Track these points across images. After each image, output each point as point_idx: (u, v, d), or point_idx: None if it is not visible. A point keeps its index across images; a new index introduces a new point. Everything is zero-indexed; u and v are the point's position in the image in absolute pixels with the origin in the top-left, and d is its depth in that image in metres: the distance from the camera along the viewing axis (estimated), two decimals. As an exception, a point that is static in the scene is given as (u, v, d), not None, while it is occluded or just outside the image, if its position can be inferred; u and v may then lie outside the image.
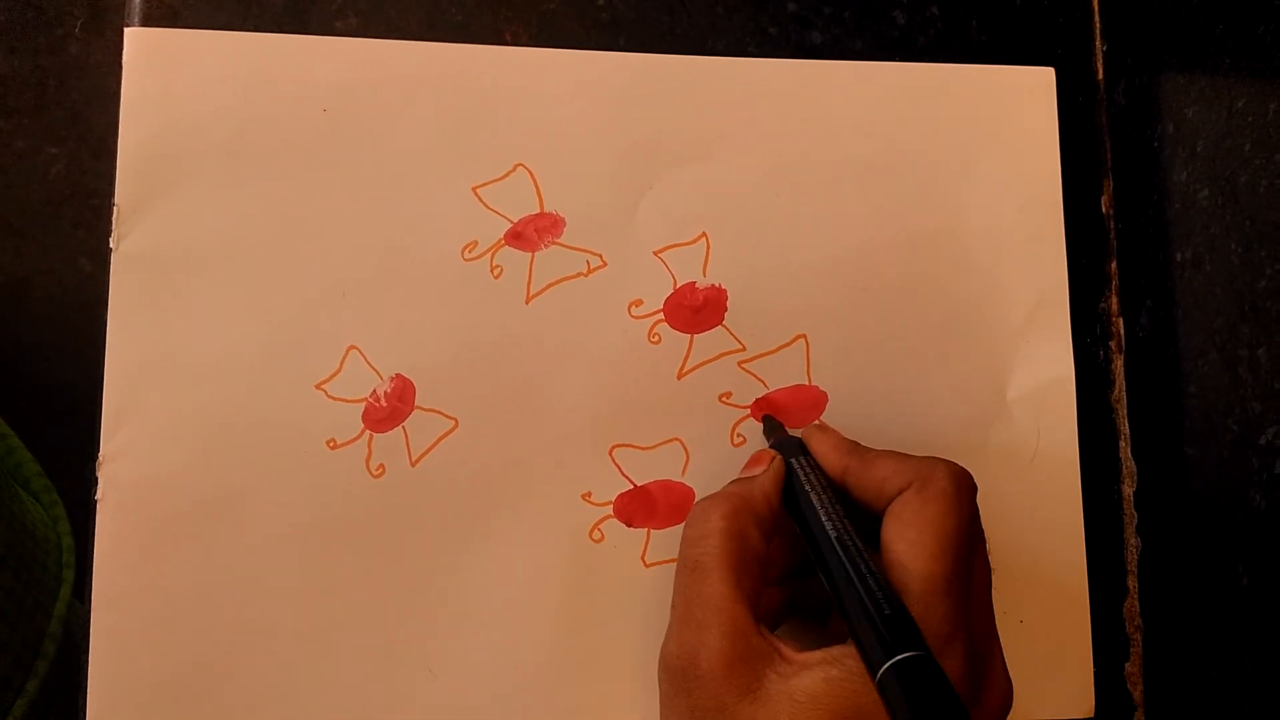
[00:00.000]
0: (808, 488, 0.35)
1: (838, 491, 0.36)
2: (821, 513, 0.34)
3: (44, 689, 0.53)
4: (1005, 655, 0.34)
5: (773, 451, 0.37)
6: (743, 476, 0.37)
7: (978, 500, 0.34)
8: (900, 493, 0.33)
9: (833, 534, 0.33)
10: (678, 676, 0.31)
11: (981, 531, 0.34)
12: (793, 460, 0.37)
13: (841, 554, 0.32)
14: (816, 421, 0.40)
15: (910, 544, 0.32)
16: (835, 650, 0.30)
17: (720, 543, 0.32)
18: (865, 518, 0.34)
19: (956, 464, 0.34)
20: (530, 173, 0.42)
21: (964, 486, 0.34)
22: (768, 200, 0.43)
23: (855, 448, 0.37)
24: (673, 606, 0.33)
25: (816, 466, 0.37)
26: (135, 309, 0.40)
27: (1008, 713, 0.33)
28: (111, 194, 0.40)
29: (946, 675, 0.28)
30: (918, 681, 0.28)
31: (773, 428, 0.40)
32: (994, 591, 0.35)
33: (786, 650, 0.31)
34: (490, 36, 0.43)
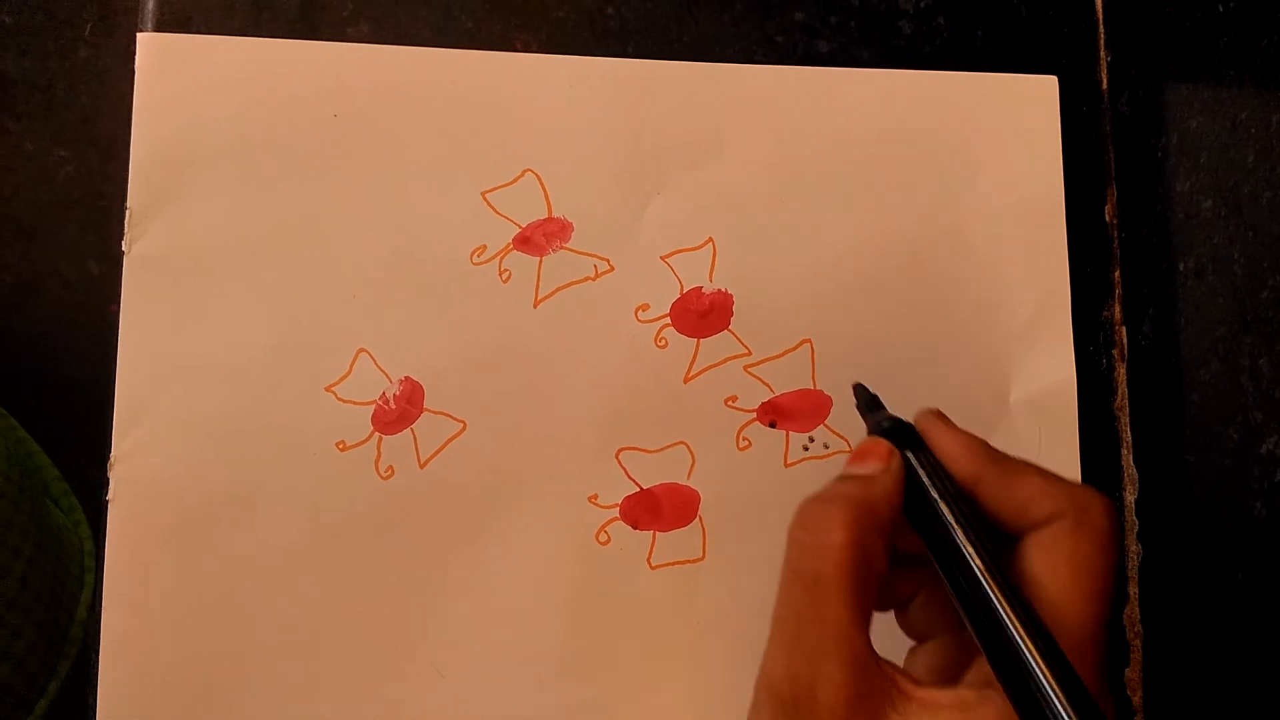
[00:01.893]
0: (935, 496, 0.30)
1: (967, 501, 0.30)
2: (960, 534, 0.29)
3: (62, 690, 0.54)
4: None
5: (885, 442, 0.31)
6: (856, 473, 0.31)
7: None
8: (1049, 521, 0.29)
9: (978, 565, 0.28)
10: (788, 706, 0.28)
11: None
12: (911, 456, 0.31)
13: (993, 591, 0.27)
14: (933, 409, 0.33)
15: (1064, 586, 0.28)
16: (968, 695, 0.27)
17: (843, 557, 0.28)
18: (992, 534, 0.30)
19: (1108, 497, 0.30)
20: (539, 178, 0.42)
21: (1117, 523, 0.30)
22: (774, 206, 0.43)
23: (990, 453, 0.31)
24: (777, 620, 0.29)
25: (942, 470, 0.31)
26: (147, 311, 0.40)
27: None
28: (121, 197, 0.41)
29: None
30: None
31: (870, 403, 0.35)
32: None
33: (909, 686, 0.28)
34: (500, 44, 0.43)
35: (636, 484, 0.41)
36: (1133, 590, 0.45)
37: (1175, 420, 0.43)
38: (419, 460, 0.41)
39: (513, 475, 0.41)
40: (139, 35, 0.41)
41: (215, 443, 0.40)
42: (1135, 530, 0.45)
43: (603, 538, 0.41)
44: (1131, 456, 0.45)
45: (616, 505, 0.41)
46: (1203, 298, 0.42)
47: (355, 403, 0.41)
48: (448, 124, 0.42)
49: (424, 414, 0.41)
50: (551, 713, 0.40)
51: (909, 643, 0.32)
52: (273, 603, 0.39)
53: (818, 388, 0.43)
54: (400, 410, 0.41)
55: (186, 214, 0.41)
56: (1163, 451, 0.44)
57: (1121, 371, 0.46)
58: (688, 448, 0.42)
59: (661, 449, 0.42)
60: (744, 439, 0.42)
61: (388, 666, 0.40)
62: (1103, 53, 0.47)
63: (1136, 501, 0.45)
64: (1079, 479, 0.44)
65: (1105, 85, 0.47)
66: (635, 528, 0.41)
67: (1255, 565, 0.39)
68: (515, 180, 0.42)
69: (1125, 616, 0.44)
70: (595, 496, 0.41)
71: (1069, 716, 0.25)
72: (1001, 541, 0.30)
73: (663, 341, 0.42)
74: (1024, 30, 0.46)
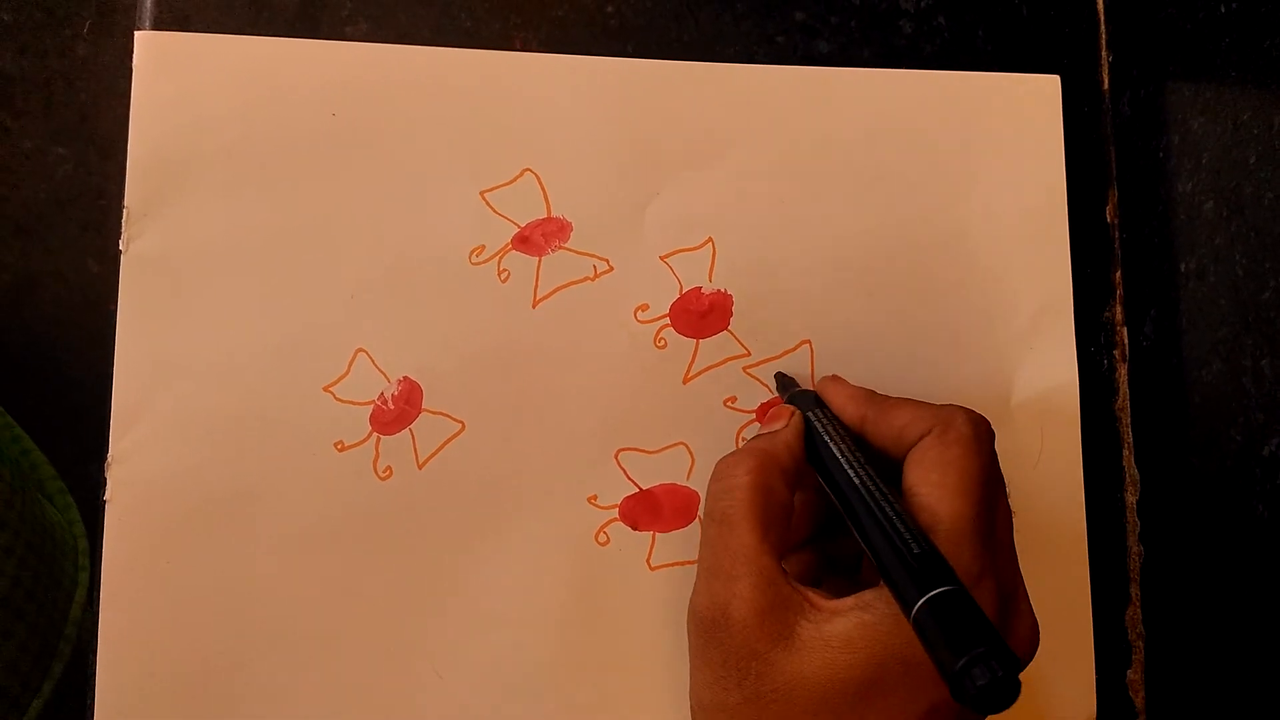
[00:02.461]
0: (827, 438, 0.35)
1: (857, 440, 0.36)
2: (844, 461, 0.34)
3: (56, 690, 0.54)
4: None
5: (790, 407, 0.37)
6: (764, 432, 0.37)
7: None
8: (921, 439, 0.34)
9: (856, 480, 0.33)
10: (709, 627, 0.32)
11: (1001, 476, 0.35)
12: (810, 413, 0.37)
13: (868, 499, 0.32)
14: (831, 375, 0.40)
15: (934, 486, 0.32)
16: (867, 595, 0.31)
17: (747, 495, 0.33)
18: (885, 466, 0.35)
19: (974, 410, 0.35)
20: (538, 178, 0.42)
21: (983, 430, 0.34)
22: (774, 206, 0.43)
23: (871, 396, 0.37)
24: (699, 560, 0.33)
25: (834, 418, 0.37)
26: (145, 311, 0.40)
27: (1035, 651, 0.33)
28: (119, 195, 0.40)
29: (980, 606, 0.28)
30: (952, 615, 0.27)
31: (786, 384, 0.41)
32: None
33: (817, 598, 0.31)
34: (500, 43, 0.43)
35: (636, 484, 0.41)
36: (1135, 592, 0.45)
37: (1177, 421, 0.43)
38: (417, 461, 0.41)
39: (511, 476, 0.41)
40: (137, 34, 0.41)
41: (213, 442, 0.40)
42: (1137, 532, 0.45)
43: (602, 538, 0.41)
44: (1133, 458, 0.45)
45: (616, 506, 0.41)
46: (1204, 299, 0.42)
47: (353, 403, 0.40)
48: (446, 123, 0.42)
49: (422, 414, 0.41)
50: (550, 713, 0.40)
51: None
52: (270, 603, 0.39)
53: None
54: (399, 410, 0.41)
55: (184, 213, 0.41)
56: (1164, 453, 0.44)
57: (1123, 372, 0.45)
58: (687, 448, 0.42)
59: (661, 449, 0.42)
60: (744, 440, 0.42)
61: (386, 667, 0.40)
62: (1104, 53, 0.47)
63: (1138, 503, 0.45)
64: (1081, 479, 0.44)
65: (1107, 86, 0.47)
66: (635, 528, 0.41)
67: (1258, 567, 0.39)
68: (514, 180, 0.42)
69: (1127, 618, 0.44)
70: (594, 497, 0.41)
71: (925, 584, 0.28)
72: (891, 468, 0.35)
73: (662, 342, 0.42)
74: (1025, 30, 0.46)
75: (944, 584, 0.28)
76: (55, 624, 0.55)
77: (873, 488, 0.32)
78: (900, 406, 0.36)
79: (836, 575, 0.38)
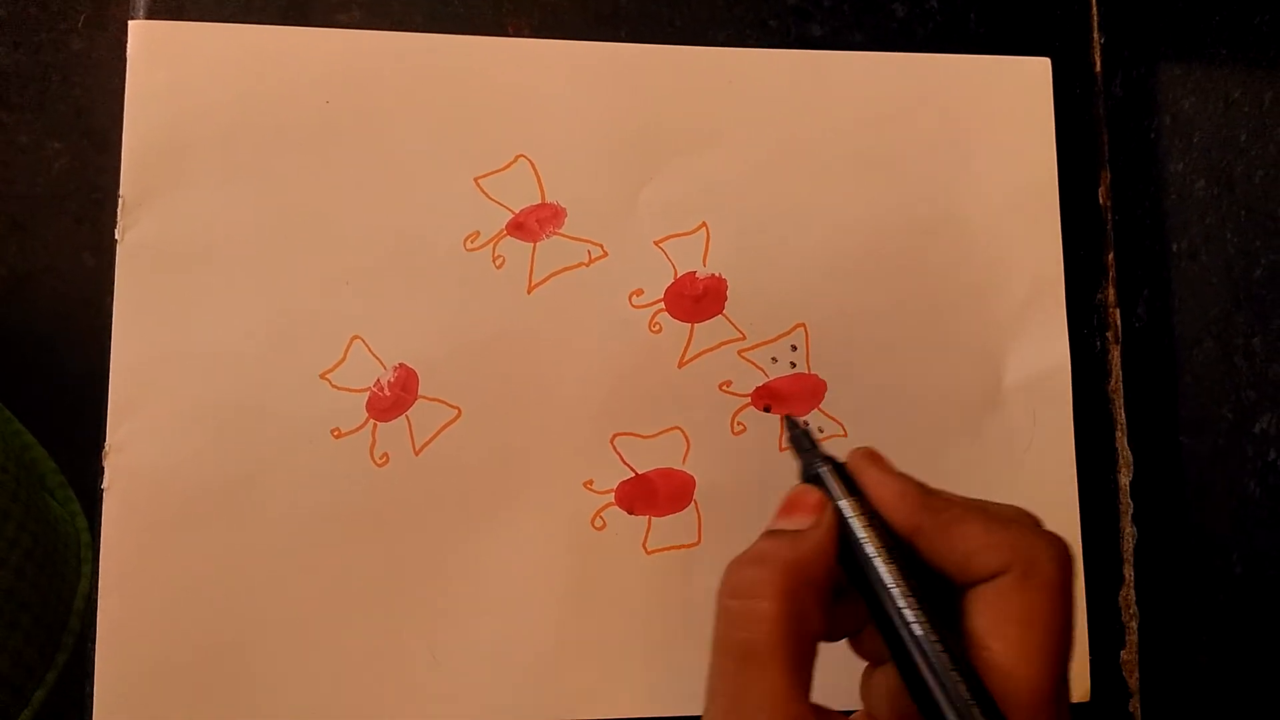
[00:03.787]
0: (870, 551, 0.28)
1: (908, 557, 0.28)
2: (896, 593, 0.27)
3: (59, 680, 0.54)
4: None
5: (816, 492, 0.29)
6: (786, 528, 0.29)
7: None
8: (994, 575, 0.27)
9: (915, 629, 0.26)
10: None
11: None
12: (845, 505, 0.29)
13: (929, 655, 0.26)
14: (865, 449, 0.30)
15: (1013, 645, 0.26)
16: None
17: (775, 628, 0.26)
18: (937, 583, 0.28)
19: (1059, 538, 0.28)
20: (531, 163, 0.42)
21: (1069, 568, 0.27)
22: (767, 190, 0.43)
23: (927, 500, 0.28)
24: (711, 694, 0.27)
25: (876, 517, 0.28)
26: (141, 300, 0.40)
27: None
28: (115, 189, 0.40)
29: None
30: None
31: (801, 441, 0.32)
32: None
33: None
34: (493, 29, 0.43)
35: (632, 469, 0.41)
36: (1128, 573, 0.45)
37: (1169, 401, 0.43)
38: (414, 447, 0.41)
39: (508, 461, 0.41)
40: (131, 23, 0.41)
41: (210, 430, 0.40)
42: (1130, 513, 0.45)
43: (598, 523, 0.41)
44: (1126, 439, 0.45)
45: (612, 491, 0.41)
46: (1196, 278, 0.42)
47: (350, 390, 0.41)
48: (440, 110, 0.42)
49: (419, 400, 0.41)
50: (547, 697, 0.40)
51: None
52: (268, 590, 0.39)
53: (812, 371, 0.43)
54: (395, 397, 0.41)
55: (179, 202, 0.41)
56: (1157, 433, 0.44)
57: (1115, 354, 0.46)
58: (683, 433, 0.42)
59: (656, 434, 0.42)
60: (739, 423, 0.42)
61: (383, 652, 0.40)
62: (1096, 35, 0.47)
63: (1131, 484, 0.45)
64: (1073, 460, 0.44)
65: (1099, 68, 0.47)
66: (631, 513, 0.41)
67: (1250, 544, 0.39)
68: (508, 166, 0.42)
69: (1121, 599, 0.45)
70: (590, 482, 0.41)
71: None
72: (946, 592, 0.28)
73: (657, 326, 0.42)
74: (1017, 13, 0.46)
75: None
76: (59, 615, 0.55)
77: (936, 642, 0.26)
78: (965, 524, 0.28)
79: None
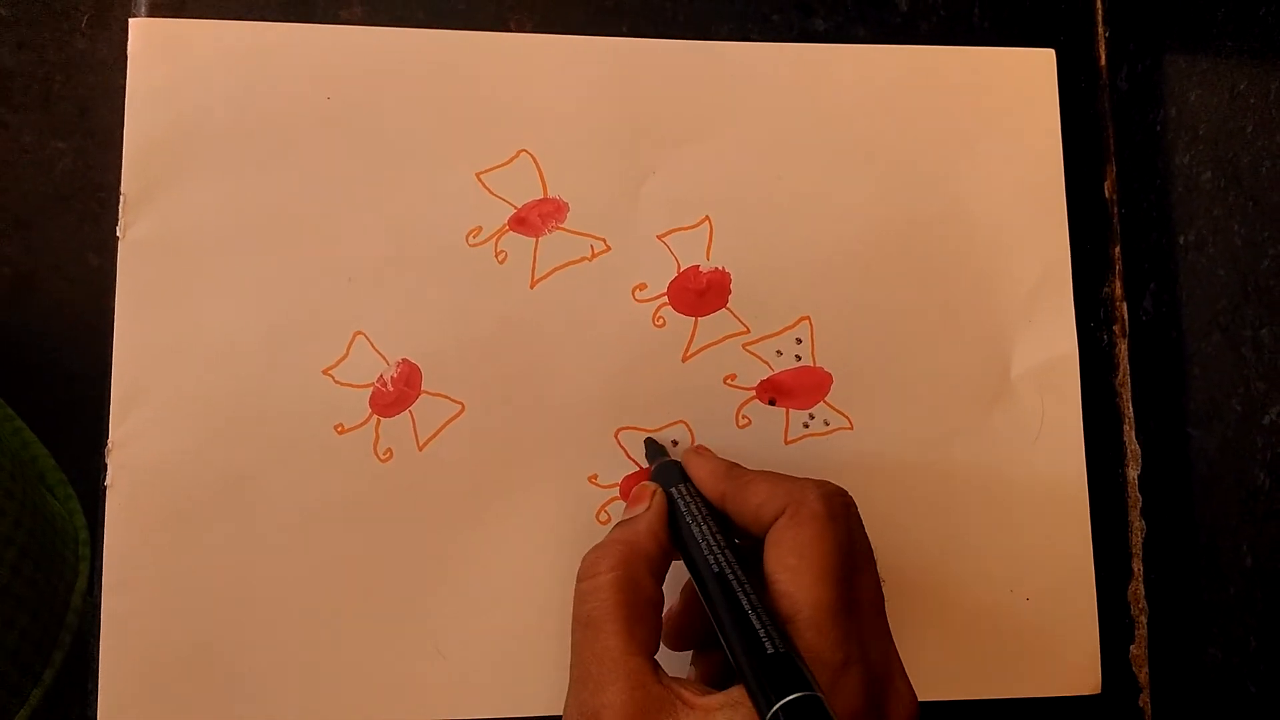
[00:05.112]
0: (689, 520, 0.34)
1: (720, 520, 0.34)
2: (703, 546, 0.33)
3: (57, 678, 0.54)
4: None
5: (653, 485, 0.36)
6: (626, 518, 0.35)
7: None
8: (776, 519, 0.32)
9: (714, 568, 0.32)
10: None
11: (868, 548, 0.33)
12: (674, 490, 0.36)
13: (724, 590, 0.31)
14: (695, 445, 0.38)
15: (791, 571, 0.31)
16: (735, 691, 0.29)
17: (611, 594, 0.31)
18: (752, 549, 0.33)
19: (829, 483, 0.33)
20: (533, 158, 0.42)
21: (837, 505, 0.33)
22: (770, 183, 0.43)
23: (731, 471, 0.35)
24: (571, 667, 0.32)
25: (698, 495, 0.35)
26: (142, 296, 0.40)
27: None
28: (118, 188, 0.40)
29: (836, 714, 0.27)
30: None
31: (654, 452, 0.40)
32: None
33: (689, 695, 0.30)
34: (494, 24, 0.43)
35: (636, 463, 0.41)
36: (1137, 566, 0.44)
37: (1177, 394, 0.43)
38: (417, 442, 0.41)
39: (512, 456, 0.41)
40: (131, 20, 0.41)
41: (213, 427, 0.40)
42: (1139, 506, 0.45)
43: (603, 517, 0.41)
44: (1134, 432, 0.45)
45: (616, 485, 0.41)
46: (1203, 270, 0.42)
47: (353, 385, 0.40)
48: (442, 105, 0.42)
49: (422, 396, 0.41)
50: (552, 691, 0.40)
51: None
52: (273, 585, 0.39)
53: (817, 364, 0.42)
54: (398, 392, 0.41)
55: (181, 198, 0.41)
56: (1165, 426, 0.44)
57: (1123, 347, 0.45)
58: (687, 426, 0.42)
59: (661, 428, 0.42)
60: (743, 417, 0.42)
61: (389, 648, 0.40)
62: (1101, 27, 0.47)
63: (1140, 477, 0.45)
64: (1082, 452, 0.43)
65: (1104, 61, 0.47)
66: (635, 508, 0.41)
67: (1260, 536, 0.39)
68: (510, 161, 0.42)
69: (1130, 593, 0.44)
70: (595, 476, 0.41)
71: (779, 688, 0.27)
72: (755, 547, 0.33)
73: (660, 320, 0.42)
74: (1021, 6, 0.46)
75: (798, 689, 0.27)
76: (57, 613, 0.55)
77: (729, 577, 0.31)
78: (756, 483, 0.34)
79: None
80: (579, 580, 0.33)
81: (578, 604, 0.32)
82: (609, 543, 0.33)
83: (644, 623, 0.31)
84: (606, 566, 0.32)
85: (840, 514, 0.32)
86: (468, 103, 0.42)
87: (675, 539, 0.34)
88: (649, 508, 0.35)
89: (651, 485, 0.36)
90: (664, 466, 0.38)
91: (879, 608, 0.33)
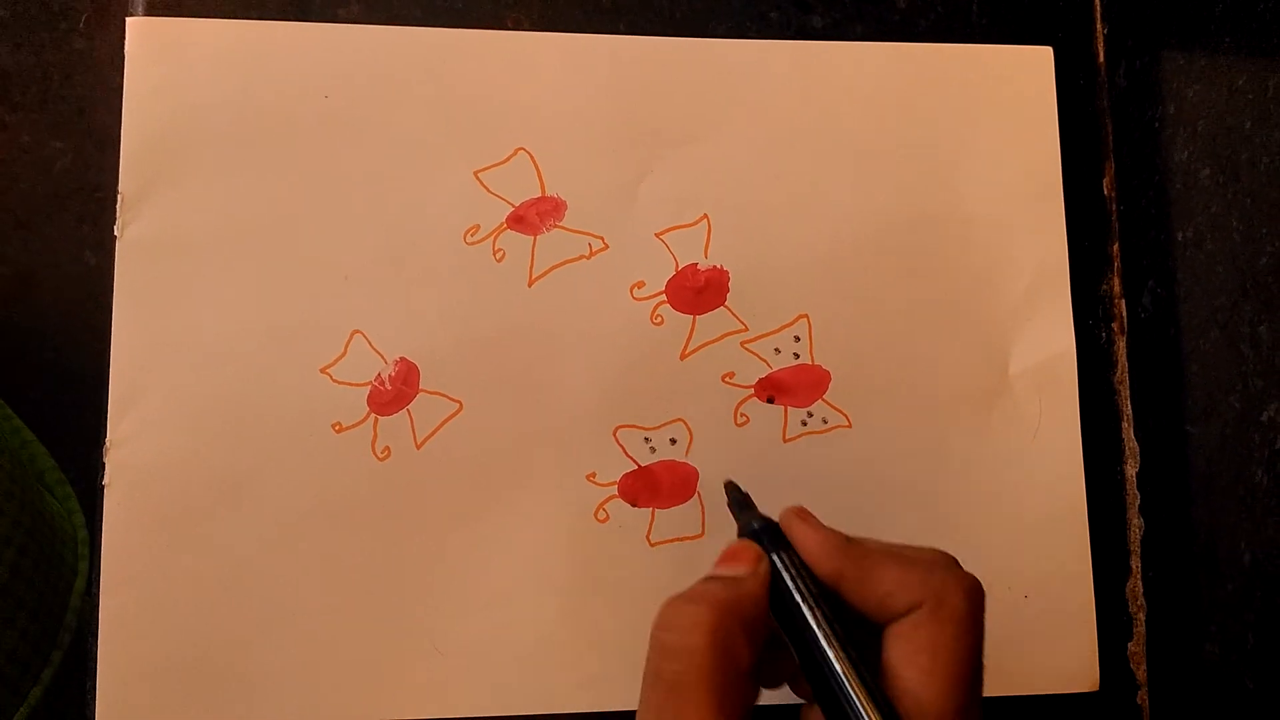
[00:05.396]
0: (798, 598, 0.31)
1: (829, 597, 0.31)
2: (819, 632, 0.30)
3: (56, 678, 0.54)
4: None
5: (754, 546, 0.32)
6: (723, 574, 0.31)
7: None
8: (908, 611, 0.29)
9: (835, 661, 0.29)
10: None
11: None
12: (776, 557, 0.32)
13: (846, 683, 0.28)
14: (796, 507, 0.33)
15: (923, 673, 0.28)
16: None
17: (704, 660, 0.27)
18: (860, 623, 0.31)
19: (968, 574, 0.30)
20: (531, 156, 0.42)
21: (977, 603, 0.30)
22: (768, 181, 0.43)
23: (847, 548, 0.31)
24: None
25: (804, 569, 0.31)
26: (140, 295, 0.40)
27: None
28: (116, 188, 0.40)
29: None
30: None
31: (740, 503, 0.36)
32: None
33: None
34: (492, 23, 0.43)
35: (635, 461, 0.41)
36: (1135, 564, 0.44)
37: (1175, 391, 0.43)
38: (415, 441, 0.41)
39: (510, 454, 0.41)
40: (129, 19, 0.41)
41: (211, 425, 0.40)
42: (1137, 504, 0.45)
43: (601, 515, 0.41)
44: (1132, 429, 0.45)
45: (615, 483, 0.41)
46: (1202, 267, 0.42)
47: (351, 384, 0.40)
48: (439, 104, 0.42)
49: (420, 394, 0.41)
50: (551, 689, 0.40)
51: None
52: (271, 584, 0.39)
53: (815, 362, 0.42)
54: (396, 391, 0.41)
55: (178, 197, 0.41)
56: (1163, 423, 0.44)
57: (1121, 345, 0.45)
58: (686, 424, 0.42)
59: (659, 426, 0.42)
60: (742, 415, 0.42)
61: (387, 645, 0.40)
62: (1099, 25, 0.47)
63: (1138, 474, 0.45)
64: (1080, 448, 0.43)
65: (1102, 58, 0.47)
66: (634, 505, 0.41)
67: (1258, 534, 0.39)
68: (508, 159, 0.42)
69: (1128, 590, 0.44)
70: (593, 474, 0.41)
71: None
72: (869, 631, 0.30)
73: (659, 319, 0.42)
74: (1019, 3, 0.46)
75: None
76: (55, 612, 0.55)
77: (851, 671, 0.29)
78: (883, 567, 0.30)
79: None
80: (664, 630, 0.29)
81: (660, 659, 0.29)
82: (704, 597, 0.29)
83: (735, 696, 0.28)
84: (703, 626, 0.28)
85: (980, 614, 0.30)
86: (465, 101, 0.42)
87: (776, 610, 0.31)
88: (753, 574, 0.31)
89: (754, 547, 0.32)
90: (764, 527, 0.33)
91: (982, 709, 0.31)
